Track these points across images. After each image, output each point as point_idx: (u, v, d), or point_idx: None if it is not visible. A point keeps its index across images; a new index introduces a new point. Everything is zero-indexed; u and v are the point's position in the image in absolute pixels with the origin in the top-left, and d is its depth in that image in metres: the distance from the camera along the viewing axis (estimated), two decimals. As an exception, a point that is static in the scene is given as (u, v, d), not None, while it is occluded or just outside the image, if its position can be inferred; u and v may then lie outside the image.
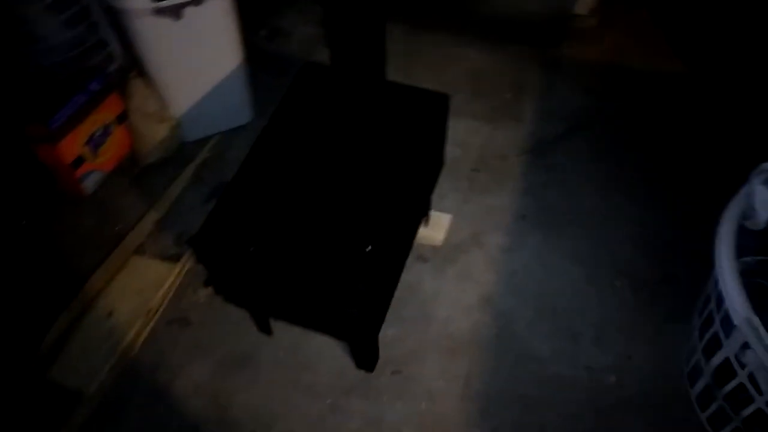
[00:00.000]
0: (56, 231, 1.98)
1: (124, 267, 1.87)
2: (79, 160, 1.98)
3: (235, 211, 1.43)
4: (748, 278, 1.32)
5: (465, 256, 1.89)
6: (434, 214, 1.93)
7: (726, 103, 2.26)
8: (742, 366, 1.30)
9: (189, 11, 1.84)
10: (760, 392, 1.26)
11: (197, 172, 2.15)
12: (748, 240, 1.43)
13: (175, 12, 1.81)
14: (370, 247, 1.30)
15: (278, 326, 1.70)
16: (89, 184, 2.05)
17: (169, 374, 1.66)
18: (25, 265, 1.88)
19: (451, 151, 1.95)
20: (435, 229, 1.92)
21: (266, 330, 1.71)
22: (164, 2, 1.77)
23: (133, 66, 2.07)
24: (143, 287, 1.82)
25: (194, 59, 1.99)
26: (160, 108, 2.07)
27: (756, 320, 1.20)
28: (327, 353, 1.68)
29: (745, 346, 1.26)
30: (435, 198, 1.91)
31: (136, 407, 1.61)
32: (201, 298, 1.82)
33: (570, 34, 2.53)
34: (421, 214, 1.84)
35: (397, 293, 1.67)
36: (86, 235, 1.97)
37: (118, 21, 1.93)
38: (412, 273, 1.83)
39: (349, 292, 1.32)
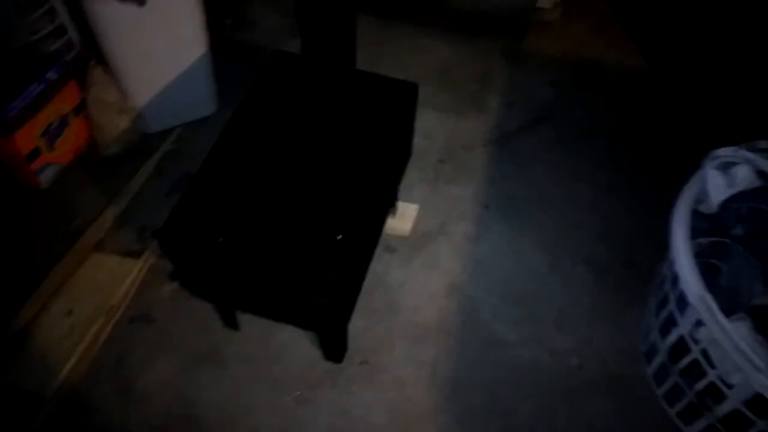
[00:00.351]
0: (12, 226, 1.91)
1: (83, 263, 1.82)
2: (35, 152, 1.91)
3: (201, 201, 1.41)
4: (702, 258, 1.37)
5: (432, 246, 1.91)
6: (401, 205, 1.94)
7: (682, 93, 2.34)
8: (696, 342, 1.35)
9: (152, -1, 1.80)
10: (712, 366, 1.31)
11: (159, 165, 2.10)
12: (702, 223, 1.49)
13: (137, -1, 1.77)
14: (340, 236, 1.30)
15: (245, 320, 1.69)
16: (46, 177, 1.99)
17: (132, 373, 1.62)
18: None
19: (417, 141, 1.96)
20: (402, 220, 1.93)
21: (233, 325, 1.69)
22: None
23: (92, 54, 2.01)
24: (104, 284, 1.77)
25: (157, 48, 1.94)
26: (120, 98, 2.02)
27: (709, 297, 1.26)
28: (295, 346, 1.67)
29: (699, 323, 1.32)
30: (402, 188, 1.92)
31: (98, 408, 1.56)
32: (165, 294, 1.78)
33: (534, 28, 2.58)
34: (389, 204, 1.85)
35: (365, 284, 1.68)
36: (43, 230, 1.91)
37: (77, 7, 1.86)
38: (379, 263, 1.84)
39: (319, 280, 1.32)
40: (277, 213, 1.38)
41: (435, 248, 1.91)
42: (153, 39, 1.91)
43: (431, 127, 2.22)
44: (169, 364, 1.64)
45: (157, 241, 1.43)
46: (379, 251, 1.82)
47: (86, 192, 2.02)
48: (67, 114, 1.99)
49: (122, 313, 1.74)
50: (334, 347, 1.62)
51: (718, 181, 1.48)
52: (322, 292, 1.33)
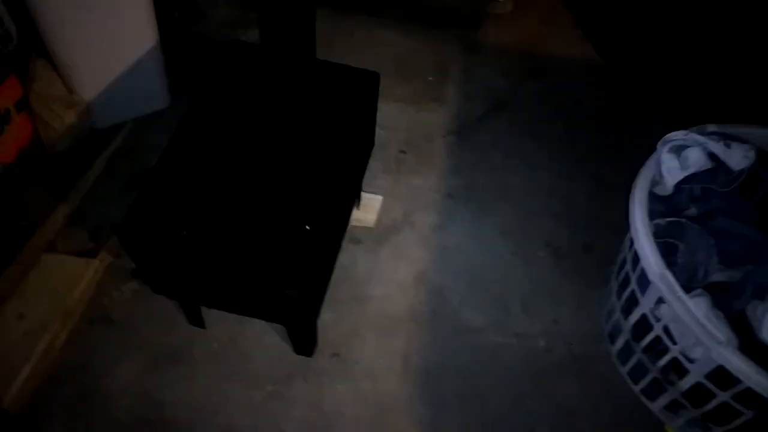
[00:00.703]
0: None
1: (34, 266, 1.73)
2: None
3: (161, 195, 1.36)
4: (660, 239, 1.43)
5: (397, 236, 1.92)
6: (366, 196, 1.93)
7: (633, 79, 2.42)
8: (658, 320, 1.41)
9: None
10: (674, 342, 1.37)
11: (111, 161, 2.01)
12: (658, 204, 1.55)
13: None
14: (308, 227, 1.28)
15: (211, 317, 1.64)
16: (-13, 177, 1.87)
17: (94, 377, 1.56)
18: None
19: (378, 133, 1.95)
20: (367, 211, 1.93)
21: (198, 322, 1.64)
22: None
23: (33, 46, 1.89)
24: (57, 286, 1.69)
25: (104, 39, 1.86)
26: (66, 92, 1.92)
27: (669, 275, 1.31)
28: (264, 341, 1.64)
29: (660, 300, 1.37)
30: (365, 180, 1.91)
31: (59, 416, 1.49)
32: (124, 293, 1.72)
33: (488, 19, 2.61)
34: (354, 194, 1.83)
35: (333, 276, 1.66)
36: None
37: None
38: (346, 255, 1.83)
39: (288, 271, 1.29)
40: (241, 205, 1.34)
41: (400, 238, 1.91)
42: (99, 30, 1.83)
43: (391, 119, 2.21)
44: (133, 366, 1.58)
45: (116, 237, 1.37)
46: (344, 243, 1.80)
47: (34, 191, 1.91)
48: (8, 110, 1.87)
49: (80, 315, 1.66)
50: (304, 340, 1.60)
51: (672, 164, 1.54)
52: (291, 284, 1.31)
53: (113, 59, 1.95)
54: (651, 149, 1.59)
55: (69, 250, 1.78)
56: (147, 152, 2.01)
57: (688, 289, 1.31)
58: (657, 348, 1.44)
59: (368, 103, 1.67)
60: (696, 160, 1.53)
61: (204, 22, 2.52)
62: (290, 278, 1.30)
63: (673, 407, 1.50)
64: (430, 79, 2.41)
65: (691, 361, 1.34)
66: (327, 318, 1.68)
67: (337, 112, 1.55)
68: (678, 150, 1.56)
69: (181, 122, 1.50)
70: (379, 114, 1.81)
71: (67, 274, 1.72)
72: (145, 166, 1.94)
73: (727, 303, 1.36)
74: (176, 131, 1.48)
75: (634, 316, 1.50)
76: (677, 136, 1.57)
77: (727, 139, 1.55)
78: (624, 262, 1.58)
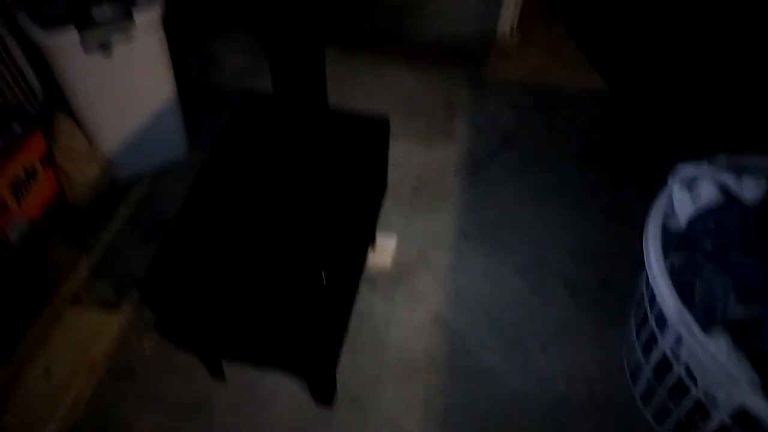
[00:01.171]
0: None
1: (59, 320, 1.78)
2: (3, 208, 1.86)
3: (181, 250, 1.39)
4: (676, 275, 1.42)
5: (413, 278, 1.93)
6: (380, 238, 1.95)
7: (642, 110, 2.43)
8: (678, 359, 1.39)
9: (119, 47, 1.79)
10: (696, 382, 1.35)
11: (132, 212, 2.07)
12: (672, 239, 1.54)
13: (104, 48, 1.75)
14: (324, 276, 1.30)
15: (231, 369, 1.66)
16: (15, 232, 1.94)
17: (119, 430, 1.58)
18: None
19: (390, 172, 1.98)
20: (382, 253, 1.95)
21: (219, 374, 1.66)
22: (93, 39, 1.71)
23: (57, 103, 1.98)
24: (83, 340, 1.73)
25: (124, 95, 1.94)
26: (88, 146, 2.00)
27: (686, 313, 1.30)
28: (283, 391, 1.65)
29: (679, 339, 1.36)
30: (380, 219, 1.93)
31: (85, 468, 1.52)
32: (147, 346, 1.75)
33: (495, 54, 2.65)
34: (369, 238, 1.86)
35: (350, 322, 1.68)
36: (16, 287, 1.85)
37: (39, 56, 1.84)
38: (362, 300, 1.84)
39: (306, 323, 1.31)
40: (260, 256, 1.37)
41: (416, 279, 1.92)
42: (121, 86, 1.91)
43: (402, 157, 2.25)
44: (156, 418, 1.60)
45: (138, 292, 1.40)
46: (361, 287, 1.82)
47: (58, 245, 1.97)
48: (34, 166, 1.95)
49: (104, 368, 1.69)
50: (324, 389, 1.60)
51: (684, 199, 1.53)
52: (309, 334, 1.33)
53: (133, 114, 2.02)
54: (662, 179, 1.59)
55: (93, 303, 1.83)
56: (166, 202, 2.07)
57: (706, 327, 1.30)
58: (679, 388, 1.42)
59: (379, 148, 1.71)
60: (708, 193, 1.52)
61: (218, 70, 2.60)
62: (308, 328, 1.32)
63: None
64: (440, 115, 2.45)
65: (714, 401, 1.32)
66: (346, 365, 1.69)
67: (350, 158, 1.59)
68: (689, 183, 1.56)
69: (198, 174, 1.54)
70: (390, 152, 1.84)
71: (91, 327, 1.76)
72: (165, 216, 2.02)
73: (748, 341, 1.34)
74: (194, 183, 1.52)
75: (655, 355, 1.49)
76: (688, 168, 1.57)
77: (738, 170, 1.55)
78: (641, 298, 1.57)
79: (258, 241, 1.40)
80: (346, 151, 1.61)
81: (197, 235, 1.42)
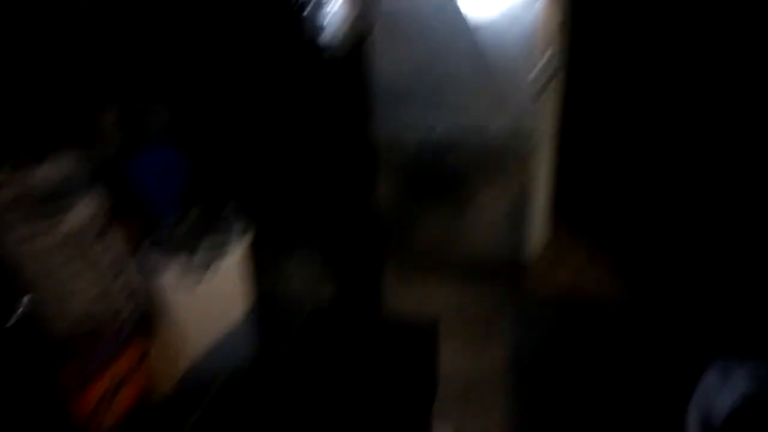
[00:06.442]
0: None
1: None
2: (103, 408, 2.08)
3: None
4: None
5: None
6: (434, 438, 2.04)
7: (672, 320, 2.61)
8: None
9: (213, 269, 2.20)
10: None
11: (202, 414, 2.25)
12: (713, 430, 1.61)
13: (202, 268, 2.16)
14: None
15: None
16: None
17: None
18: None
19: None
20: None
21: None
22: (197, 261, 2.13)
23: (154, 312, 2.34)
24: None
25: (209, 309, 2.28)
26: (178, 351, 2.29)
27: None
28: None
29: None
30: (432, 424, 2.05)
31: None
32: None
33: (528, 273, 2.97)
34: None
35: None
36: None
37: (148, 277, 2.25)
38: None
39: None
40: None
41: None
42: (206, 301, 2.26)
43: (449, 363, 2.42)
44: None
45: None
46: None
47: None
48: (130, 369, 2.23)
49: None
50: None
51: (721, 389, 1.64)
52: None
53: (216, 323, 2.34)
54: (697, 379, 1.71)
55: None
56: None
57: None
58: None
59: (429, 353, 1.94)
60: (745, 383, 1.63)
61: (289, 281, 2.98)
62: None
63: None
64: (483, 325, 2.68)
65: None
66: None
67: (403, 366, 1.81)
68: (725, 372, 1.67)
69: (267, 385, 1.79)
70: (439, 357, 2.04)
71: None
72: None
73: None
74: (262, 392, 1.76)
75: None
76: (723, 360, 1.69)
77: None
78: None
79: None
80: (401, 357, 1.85)
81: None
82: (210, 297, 2.25)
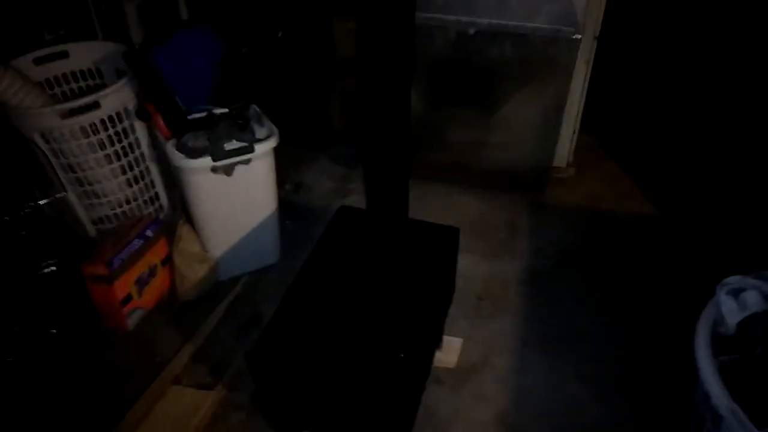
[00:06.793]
0: (99, 364, 2.15)
1: (162, 396, 2.02)
2: (128, 298, 2.22)
3: (283, 332, 1.66)
4: (727, 375, 1.51)
5: (477, 377, 2.07)
6: (446, 339, 2.14)
7: (691, 232, 2.60)
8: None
9: (239, 168, 2.21)
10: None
11: (229, 308, 2.38)
12: (722, 344, 1.65)
13: (228, 170, 2.18)
14: (402, 354, 1.52)
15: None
16: (133, 320, 2.27)
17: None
18: (70, 396, 2.02)
19: (457, 282, 2.22)
20: (448, 352, 2.12)
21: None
22: (222, 162, 2.15)
23: (180, 213, 2.40)
24: (181, 415, 1.95)
25: (236, 209, 2.33)
26: (202, 251, 2.37)
27: (739, 410, 1.38)
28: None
29: (735, 437, 1.42)
30: (447, 324, 2.13)
31: None
32: (234, 423, 1.95)
33: (552, 182, 2.95)
34: (437, 336, 2.05)
35: (417, 416, 1.82)
36: (128, 367, 2.14)
37: (173, 176, 2.29)
38: (429, 395, 1.99)
39: (387, 388, 1.50)
40: (347, 340, 1.61)
41: (481, 379, 2.06)
42: (235, 201, 2.30)
43: (468, 269, 2.48)
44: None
45: (246, 361, 1.65)
46: (428, 384, 1.98)
47: (166, 333, 2.28)
48: (156, 265, 2.33)
49: (197, 441, 1.89)
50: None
51: (731, 306, 1.67)
52: (389, 400, 1.52)
53: (241, 224, 2.40)
54: (711, 293, 1.73)
55: (191, 383, 2.07)
56: (260, 300, 2.37)
57: (762, 425, 1.37)
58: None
59: (450, 254, 1.98)
60: (754, 302, 1.65)
61: (309, 193, 3.02)
62: (388, 394, 1.51)
63: None
64: (502, 235, 2.71)
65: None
66: (413, 453, 1.81)
67: (424, 263, 1.86)
68: (736, 293, 1.69)
69: (298, 274, 1.85)
70: (458, 265, 2.09)
71: (189, 404, 1.99)
72: (258, 312, 2.31)
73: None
74: (294, 282, 1.83)
75: (715, 457, 1.53)
76: (734, 280, 1.71)
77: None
78: (698, 402, 1.64)
79: (347, 329, 1.66)
80: (421, 256, 1.89)
81: (296, 322, 1.70)
82: (236, 197, 2.28)
